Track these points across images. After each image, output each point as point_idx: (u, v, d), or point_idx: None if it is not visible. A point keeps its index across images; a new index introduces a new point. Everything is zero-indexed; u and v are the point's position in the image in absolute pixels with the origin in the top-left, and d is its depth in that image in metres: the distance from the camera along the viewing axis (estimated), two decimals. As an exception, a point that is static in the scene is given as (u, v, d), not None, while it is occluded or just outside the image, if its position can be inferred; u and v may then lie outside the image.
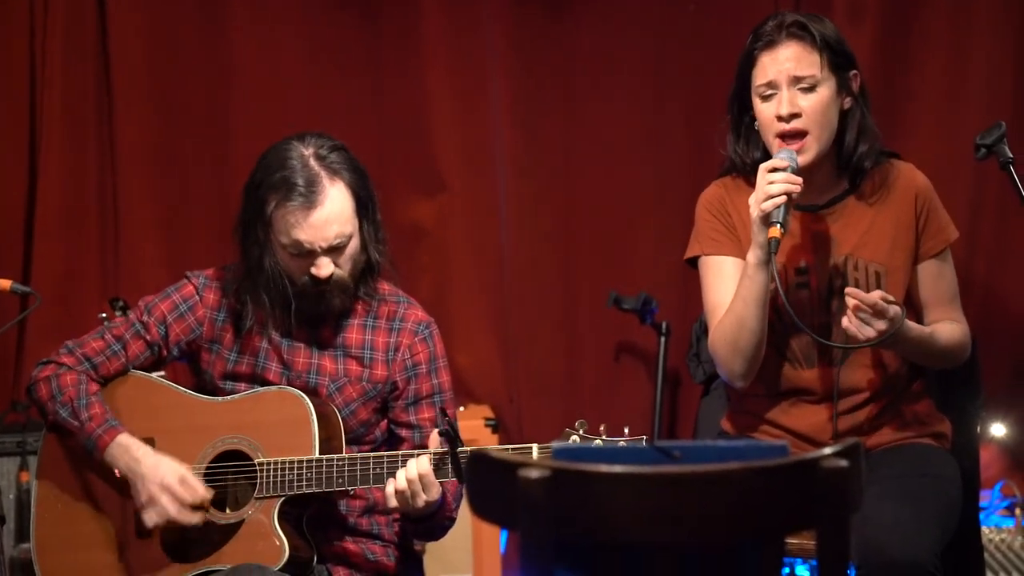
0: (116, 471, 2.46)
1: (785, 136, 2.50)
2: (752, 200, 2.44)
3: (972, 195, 3.91)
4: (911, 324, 2.48)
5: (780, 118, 2.48)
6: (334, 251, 2.43)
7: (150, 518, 2.42)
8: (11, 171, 3.82)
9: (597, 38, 4.02)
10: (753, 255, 2.45)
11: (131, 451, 2.43)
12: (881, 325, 2.38)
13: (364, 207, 2.46)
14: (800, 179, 2.44)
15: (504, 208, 4.00)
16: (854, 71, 2.55)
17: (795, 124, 2.48)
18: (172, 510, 2.39)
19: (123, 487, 2.49)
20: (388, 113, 3.96)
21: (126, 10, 3.86)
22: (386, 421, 2.57)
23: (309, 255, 2.42)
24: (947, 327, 2.57)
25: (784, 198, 2.41)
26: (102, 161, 3.87)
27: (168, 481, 2.39)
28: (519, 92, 4.00)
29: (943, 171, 3.82)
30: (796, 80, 2.48)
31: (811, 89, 2.49)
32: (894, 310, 2.40)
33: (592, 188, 4.04)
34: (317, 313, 2.49)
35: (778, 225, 2.40)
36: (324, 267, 2.43)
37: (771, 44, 2.51)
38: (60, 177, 3.82)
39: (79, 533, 2.50)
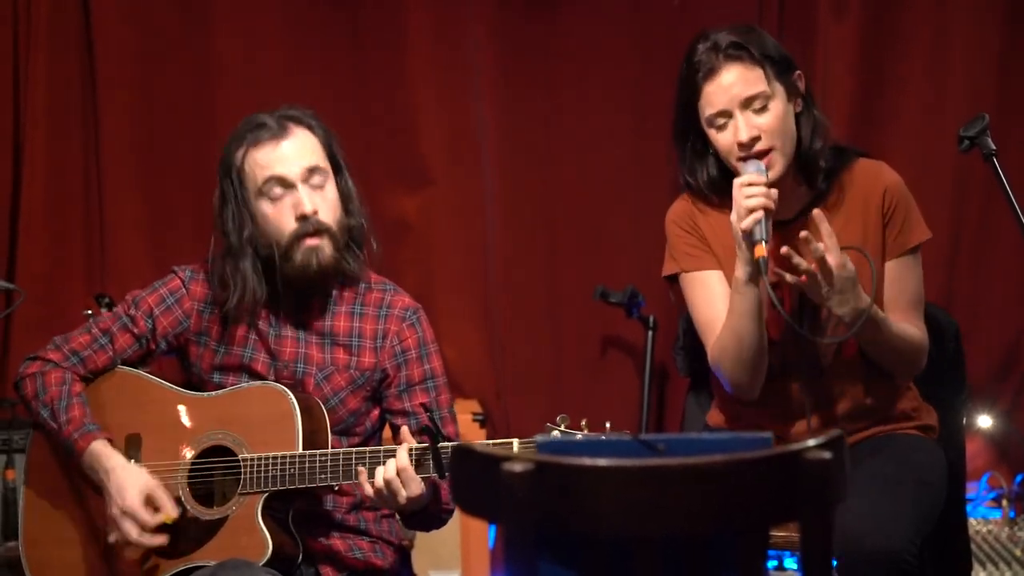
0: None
1: (749, 157, 2.44)
2: (733, 218, 2.40)
3: (955, 188, 3.92)
4: (866, 297, 2.40)
5: (741, 144, 2.42)
6: (312, 185, 2.42)
7: (112, 537, 2.41)
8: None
9: (581, 33, 4.02)
10: (741, 271, 2.41)
11: (101, 462, 2.42)
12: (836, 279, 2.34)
13: (333, 154, 2.48)
14: (775, 191, 2.40)
15: (489, 202, 4.00)
16: (797, 72, 2.50)
17: (758, 147, 2.43)
18: (133, 534, 2.38)
19: (108, 485, 2.49)
20: (372, 108, 3.95)
21: (111, 14, 3.84)
22: (377, 411, 2.57)
23: (288, 190, 2.41)
24: (904, 325, 2.52)
25: (762, 213, 2.37)
26: (87, 156, 3.86)
27: (130, 505, 2.38)
28: (503, 87, 4.00)
29: (927, 163, 3.84)
30: (748, 102, 2.42)
31: (764, 107, 2.42)
32: (845, 257, 2.36)
33: (577, 182, 4.04)
34: (307, 272, 2.44)
35: (763, 242, 2.36)
36: (306, 201, 2.40)
37: (711, 72, 2.44)
38: (44, 173, 3.81)
39: (67, 527, 2.50)
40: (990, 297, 3.99)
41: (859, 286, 2.41)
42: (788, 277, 2.42)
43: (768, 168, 2.43)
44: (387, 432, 2.63)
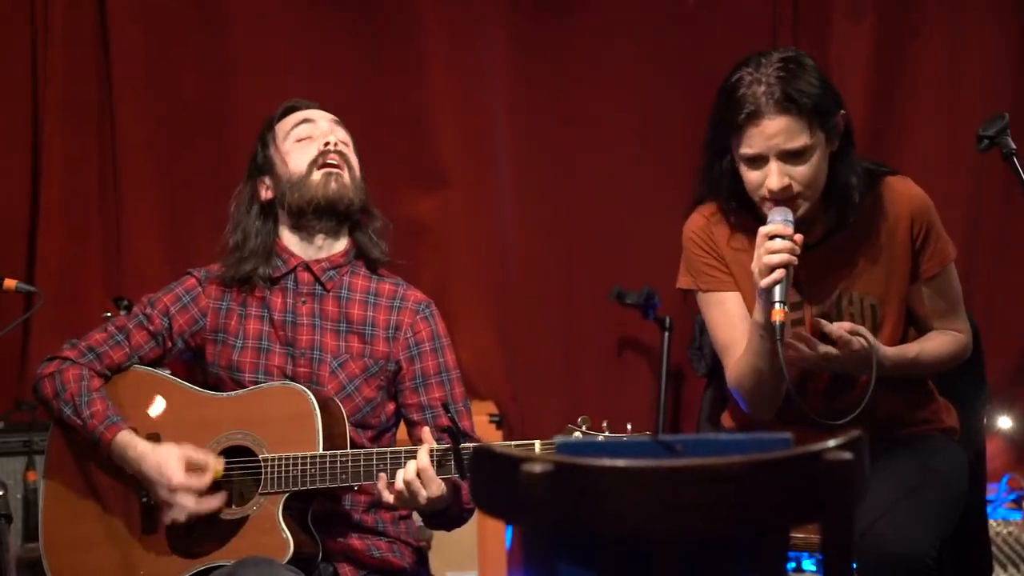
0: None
1: (776, 203, 2.39)
2: (753, 267, 2.34)
3: (975, 188, 3.90)
4: (887, 352, 2.44)
5: (772, 192, 2.37)
6: (335, 130, 2.61)
7: (172, 518, 2.42)
8: (13, 170, 3.83)
9: (597, 31, 4.02)
10: (760, 314, 2.37)
11: (129, 451, 2.44)
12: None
13: (353, 140, 2.65)
14: (800, 238, 2.35)
15: (505, 203, 4.00)
16: (841, 112, 2.43)
17: (787, 194, 2.37)
18: (191, 505, 2.40)
19: (129, 483, 2.50)
20: (388, 108, 3.96)
21: (127, 15, 3.86)
22: (393, 406, 2.58)
23: (315, 131, 2.58)
24: (939, 340, 2.53)
25: (783, 271, 2.31)
26: (103, 156, 3.87)
27: (178, 480, 2.40)
28: (519, 86, 4.00)
29: (945, 164, 3.83)
30: (786, 154, 2.35)
31: (802, 158, 2.35)
32: (858, 342, 2.38)
33: (593, 182, 4.04)
34: (327, 198, 2.54)
35: (781, 305, 2.31)
36: (328, 132, 2.58)
37: (755, 115, 2.34)
38: (62, 173, 3.82)
39: (87, 531, 2.51)
40: (1010, 297, 3.98)
41: (880, 349, 2.42)
42: (798, 363, 2.42)
43: (793, 211, 2.38)
44: (401, 434, 2.63)
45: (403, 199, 3.90)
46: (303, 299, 2.56)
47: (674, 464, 1.49)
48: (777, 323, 2.31)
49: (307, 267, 2.58)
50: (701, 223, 2.56)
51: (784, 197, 2.37)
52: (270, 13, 3.96)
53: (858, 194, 2.46)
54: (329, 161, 2.55)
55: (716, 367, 2.91)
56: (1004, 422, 3.89)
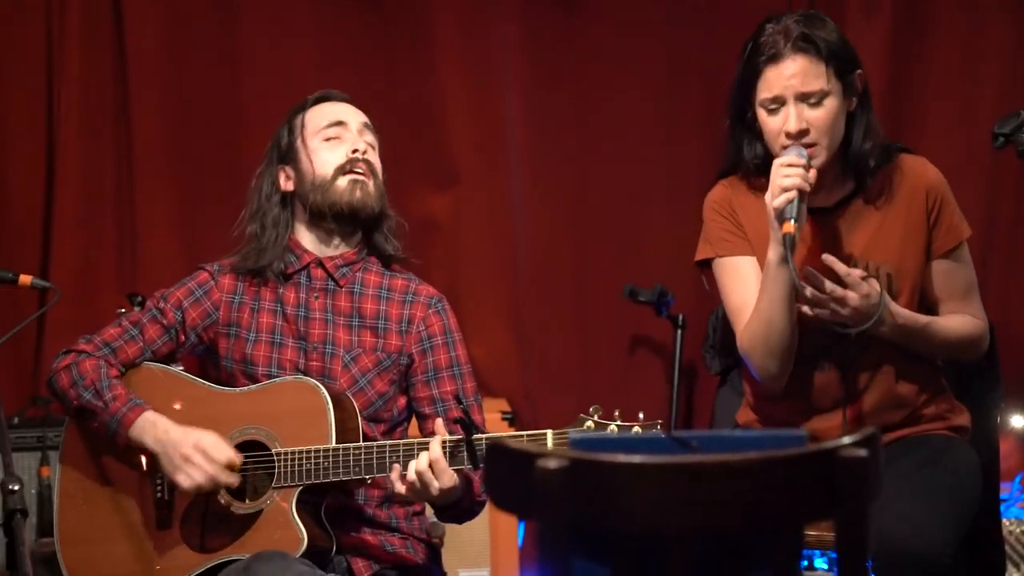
0: (143, 453, 2.48)
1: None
2: (767, 196, 2.42)
3: (989, 185, 3.89)
4: (898, 308, 2.46)
5: (789, 135, 2.44)
6: (365, 140, 2.60)
7: (185, 480, 2.42)
8: (29, 166, 3.84)
9: (610, 30, 4.02)
10: (774, 253, 2.42)
11: (159, 425, 2.45)
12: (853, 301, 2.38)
13: (378, 142, 2.65)
14: (813, 174, 2.42)
15: (518, 201, 4.00)
16: (859, 71, 2.51)
17: (805, 140, 2.44)
18: (208, 468, 2.40)
19: (144, 477, 2.51)
20: (401, 106, 3.96)
21: (142, 12, 3.87)
22: (404, 400, 2.59)
23: (344, 134, 2.58)
24: (955, 319, 2.55)
25: (795, 193, 2.38)
26: (118, 156, 3.89)
27: (203, 443, 2.41)
28: (532, 85, 4.00)
29: (960, 161, 3.81)
30: (804, 96, 2.44)
31: (819, 103, 2.45)
32: (867, 285, 2.39)
33: (606, 180, 4.03)
34: (349, 205, 2.54)
35: (792, 221, 2.37)
36: (360, 143, 2.58)
37: (775, 57, 2.45)
38: (77, 172, 3.84)
39: (101, 525, 2.52)
40: (1024, 297, 3.96)
41: (889, 303, 2.43)
42: (810, 313, 2.43)
43: (810, 158, 2.44)
44: (413, 429, 2.64)
45: (416, 197, 3.90)
46: (316, 294, 2.57)
47: (689, 460, 1.49)
48: (787, 235, 2.37)
49: (320, 263, 2.59)
50: (722, 192, 2.62)
51: (802, 143, 2.45)
52: (284, 12, 3.96)
53: (874, 160, 2.52)
54: (356, 169, 2.56)
55: (730, 365, 2.91)
56: (1018, 421, 3.88)
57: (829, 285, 2.40)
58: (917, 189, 2.55)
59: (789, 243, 2.38)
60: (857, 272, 2.42)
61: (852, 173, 2.55)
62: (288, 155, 2.61)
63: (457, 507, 2.44)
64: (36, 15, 3.82)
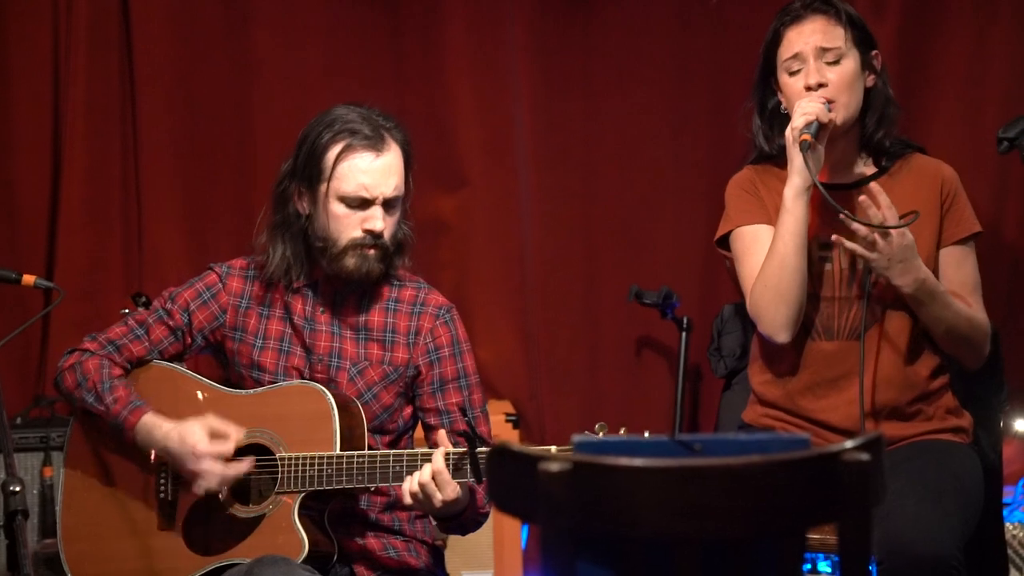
0: (151, 453, 2.48)
1: None
2: (787, 130, 2.50)
3: (995, 188, 3.88)
4: (924, 267, 2.49)
5: (808, 88, 2.54)
6: (388, 207, 2.49)
7: (202, 488, 2.43)
8: (36, 166, 3.84)
9: (618, 32, 4.01)
10: (791, 185, 2.50)
11: (155, 431, 2.45)
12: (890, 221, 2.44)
13: (408, 173, 2.55)
14: (835, 115, 2.51)
15: (525, 203, 4.00)
16: (875, 51, 2.62)
17: (822, 93, 2.54)
18: (218, 470, 2.41)
19: (148, 478, 2.51)
20: (410, 108, 3.95)
21: (150, 13, 3.87)
22: (410, 409, 2.58)
23: (366, 206, 2.47)
24: (966, 306, 2.58)
25: (815, 117, 2.47)
26: (125, 156, 3.88)
27: (201, 448, 2.41)
28: (540, 87, 4.00)
29: (966, 163, 3.80)
30: (822, 52, 2.56)
31: (837, 62, 2.56)
32: (907, 229, 2.44)
33: (613, 182, 4.03)
34: (351, 276, 2.49)
35: (809, 134, 2.46)
36: (379, 219, 2.47)
37: (797, 19, 2.60)
38: (84, 172, 3.83)
39: (104, 523, 2.52)
40: (1029, 300, 3.95)
41: (918, 257, 2.48)
42: (847, 244, 2.48)
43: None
44: (418, 433, 2.64)
45: (424, 199, 3.89)
46: (322, 308, 2.56)
47: (692, 463, 1.49)
48: (804, 142, 2.46)
49: (329, 279, 2.58)
50: (748, 174, 2.70)
51: (821, 95, 2.54)
52: (294, 14, 3.96)
53: (890, 142, 2.62)
54: (368, 247, 2.48)
55: (735, 369, 2.91)
56: (1021, 425, 3.87)
57: (873, 211, 2.45)
58: (933, 179, 2.62)
59: (805, 147, 2.46)
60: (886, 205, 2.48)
61: (870, 153, 2.64)
62: (309, 189, 2.51)
63: (460, 519, 2.44)
64: (44, 16, 3.82)
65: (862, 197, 2.48)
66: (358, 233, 2.48)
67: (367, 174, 2.47)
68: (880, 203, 2.45)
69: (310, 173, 2.50)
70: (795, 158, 2.48)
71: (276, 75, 3.92)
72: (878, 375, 2.55)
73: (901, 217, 2.47)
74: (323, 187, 2.48)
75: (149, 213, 3.87)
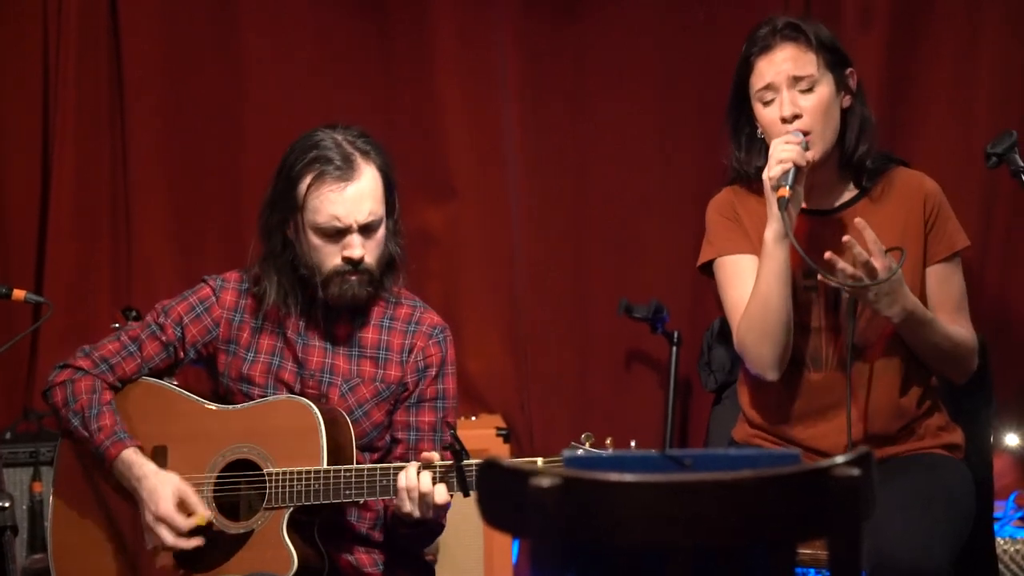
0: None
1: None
2: (764, 173, 2.46)
3: (983, 200, 3.89)
4: (910, 294, 2.46)
5: (783, 120, 2.50)
6: (366, 231, 2.46)
7: (149, 542, 2.44)
8: (24, 179, 3.83)
9: (607, 42, 4.02)
10: (770, 230, 2.46)
11: (132, 470, 2.45)
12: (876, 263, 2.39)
13: (390, 194, 2.51)
14: (811, 153, 2.47)
15: (515, 214, 4.00)
16: (850, 69, 2.57)
17: (798, 125, 2.49)
18: (169, 539, 2.41)
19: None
20: (399, 119, 3.96)
21: (139, 17, 3.87)
22: None
23: (342, 234, 2.44)
24: (952, 326, 2.56)
25: (791, 164, 2.43)
26: (114, 168, 3.87)
27: (164, 511, 2.40)
28: (529, 98, 4.00)
29: (953, 178, 3.80)
30: (795, 80, 2.50)
31: (810, 89, 2.51)
32: (890, 258, 2.41)
33: (603, 195, 4.03)
34: (338, 303, 2.48)
35: (786, 186, 2.42)
36: (357, 247, 2.44)
37: (766, 48, 2.53)
38: (72, 184, 3.82)
39: (94, 539, 2.51)
40: (1018, 313, 3.96)
41: (905, 286, 2.44)
42: (832, 282, 2.45)
43: (807, 146, 2.49)
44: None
45: (413, 209, 3.88)
46: (316, 323, 2.55)
47: (683, 479, 1.49)
48: (781, 199, 2.41)
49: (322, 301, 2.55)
50: (727, 196, 2.66)
51: (795, 126, 2.49)
52: (283, 21, 3.96)
53: (872, 161, 2.57)
54: (350, 275, 2.46)
55: (725, 383, 2.91)
56: (1011, 439, 3.88)
57: (858, 249, 2.41)
58: (915, 197, 2.58)
59: (783, 205, 2.41)
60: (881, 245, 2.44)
61: (851, 175, 2.59)
62: (289, 220, 2.49)
63: (423, 526, 2.42)
64: (33, 22, 3.80)
65: (846, 238, 2.43)
66: (338, 261, 2.46)
67: (338, 204, 2.43)
68: (866, 239, 2.41)
69: (286, 204, 2.48)
70: (773, 206, 2.44)
71: (266, 85, 3.92)
72: (869, 405, 2.54)
73: (888, 250, 2.43)
74: (299, 217, 2.47)
75: (138, 226, 3.86)
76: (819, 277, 2.45)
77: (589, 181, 4.04)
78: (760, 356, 2.50)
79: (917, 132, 3.92)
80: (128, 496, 2.49)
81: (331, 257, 2.46)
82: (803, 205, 2.50)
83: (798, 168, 2.43)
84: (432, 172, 3.96)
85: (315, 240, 2.46)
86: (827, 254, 2.43)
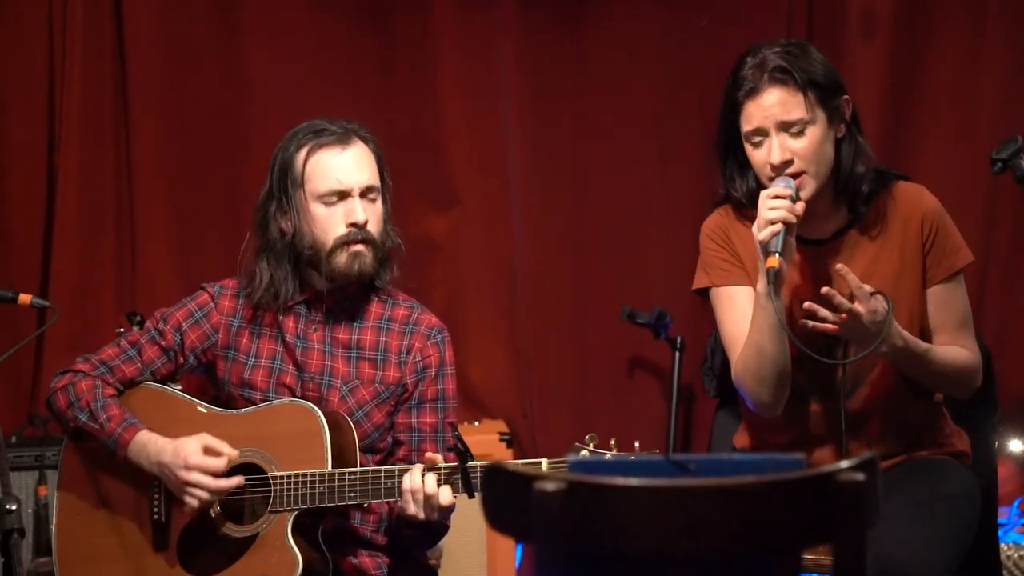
0: (144, 471, 2.48)
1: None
2: (754, 229, 2.40)
3: (987, 210, 3.89)
4: (903, 332, 2.42)
5: (774, 167, 2.43)
6: (367, 196, 2.50)
7: (191, 500, 2.43)
8: (30, 185, 3.84)
9: (609, 51, 4.03)
10: (761, 284, 2.40)
11: (149, 447, 2.46)
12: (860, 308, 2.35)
13: (383, 179, 2.55)
14: (801, 206, 2.40)
15: (517, 222, 4.01)
16: (844, 96, 2.48)
17: (789, 169, 2.42)
18: (211, 485, 2.41)
19: (142, 498, 2.51)
20: (400, 127, 3.97)
21: (143, 23, 3.88)
22: None
23: (344, 199, 2.48)
24: (951, 350, 2.51)
25: (781, 226, 2.36)
26: (119, 176, 3.89)
27: (195, 461, 2.41)
28: (531, 106, 4.01)
29: (957, 185, 3.82)
30: (785, 125, 2.42)
31: (801, 132, 2.42)
32: (876, 301, 2.36)
33: (605, 201, 4.04)
34: (346, 275, 2.49)
35: (777, 254, 2.35)
36: (359, 210, 2.48)
37: (753, 91, 2.42)
38: (77, 192, 3.83)
39: (99, 545, 2.52)
40: (1021, 320, 3.96)
41: (894, 324, 2.39)
42: (819, 327, 2.40)
43: (798, 189, 2.43)
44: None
45: (415, 217, 3.90)
46: (314, 326, 2.56)
47: (687, 483, 1.49)
48: (771, 270, 2.35)
49: (321, 297, 2.58)
50: (718, 220, 2.60)
51: (787, 173, 2.43)
52: (285, 32, 3.97)
53: (868, 186, 2.50)
54: (356, 242, 2.49)
55: (728, 388, 2.91)
56: (1016, 445, 3.88)
57: (838, 299, 2.36)
58: (912, 217, 2.52)
59: (773, 277, 2.36)
60: (867, 287, 2.39)
61: (845, 201, 2.52)
62: (288, 204, 2.52)
63: (428, 527, 2.43)
64: (39, 33, 3.82)
65: (839, 266, 2.40)
66: (343, 229, 2.49)
67: (338, 167, 2.49)
68: (850, 284, 2.37)
69: (285, 186, 2.51)
70: (762, 263, 2.38)
71: (268, 94, 3.93)
72: (871, 433, 2.53)
73: (872, 295, 2.38)
74: (300, 194, 2.50)
75: (142, 232, 3.87)
76: (800, 322, 2.40)
77: (590, 189, 4.04)
78: (759, 398, 2.48)
79: (921, 138, 3.93)
80: (133, 501, 2.50)
81: (336, 226, 2.48)
82: (797, 234, 2.43)
83: (788, 226, 2.37)
84: (434, 180, 3.97)
85: (318, 211, 2.49)
86: (824, 289, 2.38)
